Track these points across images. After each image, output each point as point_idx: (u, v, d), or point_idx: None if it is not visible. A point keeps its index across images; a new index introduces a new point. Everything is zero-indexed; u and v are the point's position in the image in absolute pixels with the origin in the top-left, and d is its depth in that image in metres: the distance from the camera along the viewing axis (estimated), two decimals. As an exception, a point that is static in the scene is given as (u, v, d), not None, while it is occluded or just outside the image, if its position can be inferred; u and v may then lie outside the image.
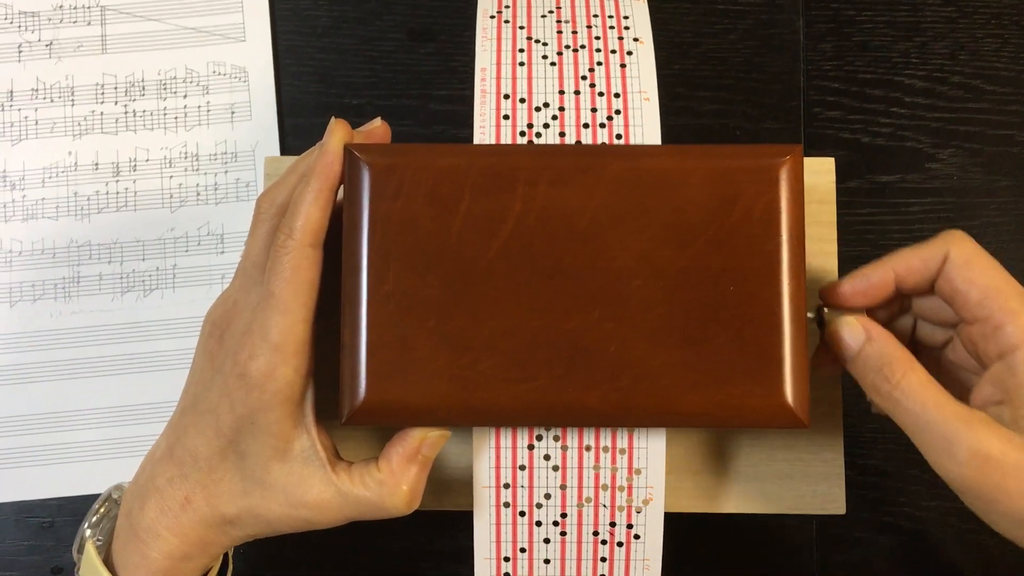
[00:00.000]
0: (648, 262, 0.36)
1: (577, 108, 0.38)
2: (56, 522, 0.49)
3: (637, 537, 0.38)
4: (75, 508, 0.49)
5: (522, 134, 0.37)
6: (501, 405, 0.36)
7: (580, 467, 0.37)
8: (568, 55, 0.39)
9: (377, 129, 0.38)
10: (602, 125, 0.38)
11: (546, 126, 0.38)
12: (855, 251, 0.50)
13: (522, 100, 0.38)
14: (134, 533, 0.37)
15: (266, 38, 0.52)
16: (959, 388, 0.38)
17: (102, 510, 0.39)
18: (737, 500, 0.43)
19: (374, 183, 0.36)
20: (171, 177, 0.51)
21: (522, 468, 0.37)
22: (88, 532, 0.39)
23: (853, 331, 0.36)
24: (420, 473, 0.37)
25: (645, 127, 0.38)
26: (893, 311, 0.40)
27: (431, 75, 0.52)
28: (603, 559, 0.38)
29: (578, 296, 0.36)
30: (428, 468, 0.37)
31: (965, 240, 0.36)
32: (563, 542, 0.38)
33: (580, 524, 0.38)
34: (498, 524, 0.38)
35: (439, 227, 0.36)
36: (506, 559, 0.38)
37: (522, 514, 0.38)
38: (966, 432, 0.33)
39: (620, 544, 0.38)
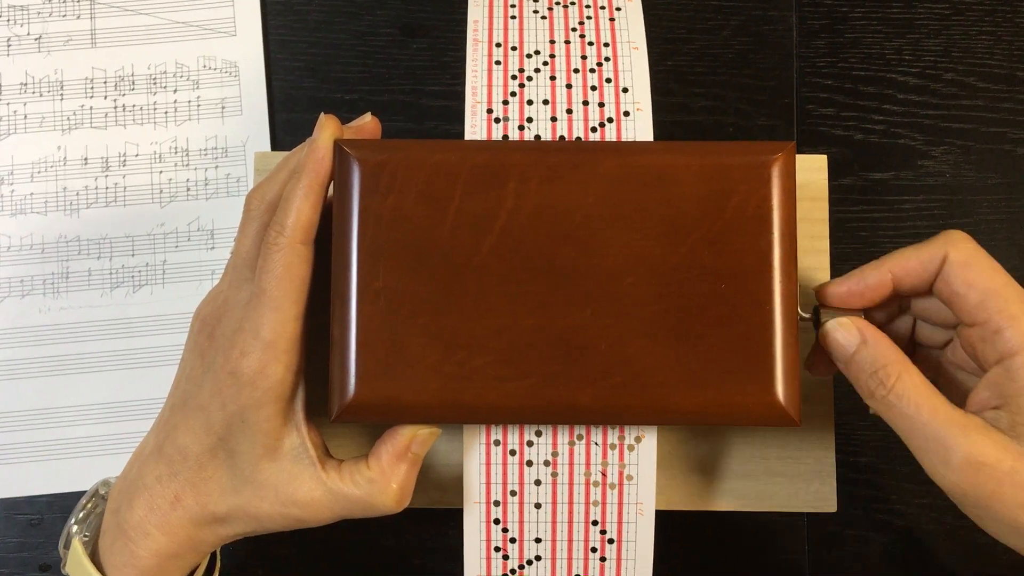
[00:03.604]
0: (641, 259, 0.35)
1: (567, 55, 0.39)
2: (45, 519, 0.49)
3: (630, 478, 0.37)
4: (64, 505, 0.49)
5: (513, 78, 0.38)
6: (493, 403, 0.35)
7: None
8: (558, 10, 0.40)
9: (367, 125, 0.38)
10: (592, 70, 0.38)
11: (537, 71, 0.38)
12: (848, 248, 0.50)
13: (513, 48, 0.39)
14: (122, 531, 0.37)
15: (257, 33, 0.52)
16: (959, 390, 0.38)
17: (89, 505, 0.39)
18: (729, 498, 0.43)
19: (364, 179, 0.36)
20: (161, 172, 0.51)
21: None
22: (75, 528, 0.38)
23: (848, 333, 0.36)
24: (410, 471, 0.37)
25: (634, 73, 0.38)
26: (892, 311, 0.39)
27: (424, 70, 0.52)
28: (595, 503, 0.38)
29: (571, 293, 0.35)
30: (418, 466, 0.37)
31: (964, 241, 0.35)
32: (554, 484, 0.38)
33: (571, 464, 0.37)
34: (488, 464, 0.38)
35: (430, 223, 0.36)
36: (496, 503, 0.38)
37: (512, 453, 0.37)
38: (961, 437, 0.33)
39: (612, 486, 0.38)
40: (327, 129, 0.36)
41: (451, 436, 0.42)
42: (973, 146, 0.51)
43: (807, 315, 0.37)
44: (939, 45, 0.52)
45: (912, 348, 0.40)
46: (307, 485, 0.36)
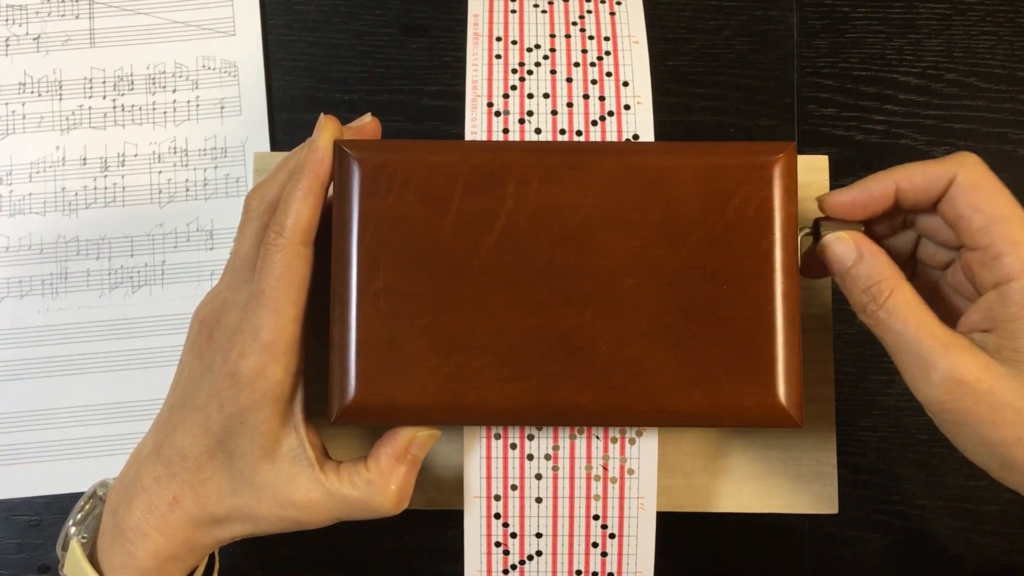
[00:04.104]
0: (641, 260, 0.35)
1: (568, 49, 0.39)
2: (43, 520, 0.49)
3: (631, 472, 0.37)
4: (62, 506, 0.49)
5: (513, 71, 0.38)
6: (493, 404, 0.35)
7: None
8: (559, 4, 0.40)
9: (367, 125, 0.38)
10: (592, 64, 0.38)
11: (537, 64, 0.38)
12: (848, 249, 0.50)
13: (514, 42, 0.39)
14: (120, 532, 0.37)
15: (256, 32, 0.52)
16: (954, 313, 0.38)
17: (87, 507, 0.39)
18: (730, 499, 0.42)
19: (364, 180, 0.35)
20: (160, 172, 0.50)
21: None
22: (73, 529, 0.38)
23: (845, 247, 0.36)
24: (409, 473, 0.37)
25: (635, 67, 0.38)
26: (895, 225, 0.39)
27: (423, 70, 0.52)
28: (596, 497, 0.38)
29: (571, 295, 0.35)
30: (417, 468, 0.37)
31: (976, 164, 0.35)
32: (555, 478, 0.37)
33: (573, 457, 0.37)
34: (489, 458, 0.37)
35: (430, 224, 0.35)
36: (496, 498, 0.38)
37: (513, 447, 0.37)
38: (943, 354, 0.33)
39: (614, 480, 0.37)
40: (327, 130, 0.36)
41: (451, 437, 0.42)
42: (974, 146, 0.51)
43: (807, 228, 0.37)
44: (940, 45, 0.52)
45: (913, 265, 0.40)
46: (305, 487, 0.36)
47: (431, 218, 0.35)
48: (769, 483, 0.42)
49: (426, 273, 0.35)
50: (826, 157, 0.43)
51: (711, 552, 0.49)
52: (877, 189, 0.36)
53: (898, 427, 0.50)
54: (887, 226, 0.39)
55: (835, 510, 0.42)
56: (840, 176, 0.50)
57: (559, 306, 0.35)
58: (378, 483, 0.36)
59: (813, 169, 0.43)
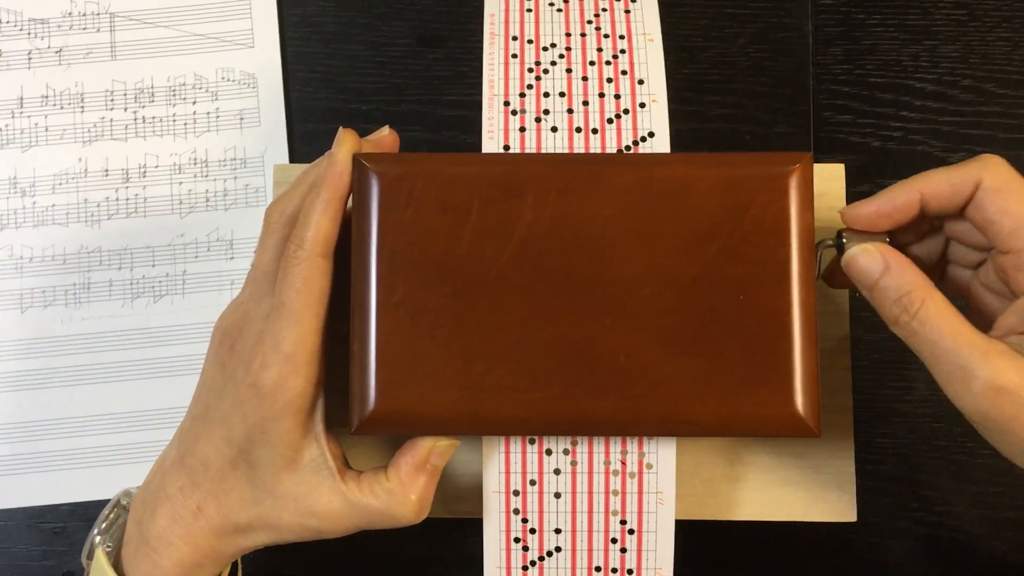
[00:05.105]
0: (659, 271, 0.35)
1: (583, 48, 0.39)
2: (68, 527, 0.50)
3: (649, 467, 0.37)
4: (86, 513, 0.49)
5: (530, 70, 0.38)
6: (512, 414, 0.36)
7: None
8: (574, 3, 0.41)
9: (386, 138, 0.38)
10: (608, 63, 0.39)
11: (553, 63, 0.39)
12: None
13: (530, 41, 0.39)
14: (145, 541, 0.37)
15: (275, 44, 0.52)
16: (989, 311, 0.37)
17: (111, 516, 0.39)
18: (748, 507, 0.43)
19: (383, 193, 0.36)
20: (180, 183, 0.51)
21: None
22: (98, 539, 0.39)
23: (872, 259, 0.35)
24: (429, 482, 0.37)
25: (650, 65, 0.39)
26: (923, 231, 0.38)
27: (440, 80, 0.52)
28: (615, 492, 0.38)
29: (589, 305, 0.36)
30: (437, 477, 0.37)
31: (1000, 166, 0.34)
32: (574, 473, 0.38)
33: (591, 452, 0.37)
34: (507, 453, 0.38)
35: (449, 236, 0.36)
36: (515, 493, 0.38)
37: (532, 441, 0.37)
38: (982, 362, 0.32)
39: (632, 475, 0.37)
40: (346, 143, 0.36)
41: (470, 446, 0.42)
42: (991, 152, 0.51)
43: (830, 240, 0.37)
44: (956, 51, 0.52)
45: (944, 267, 0.39)
46: (326, 496, 0.36)
47: (450, 230, 0.36)
48: (787, 491, 0.42)
49: (445, 284, 0.36)
50: (842, 165, 0.43)
51: (731, 559, 0.49)
52: (901, 199, 0.35)
53: (917, 433, 0.49)
54: (913, 235, 0.38)
55: (853, 518, 0.42)
56: (857, 183, 0.50)
57: (577, 316, 0.36)
58: (398, 493, 0.36)
59: (830, 178, 0.43)
